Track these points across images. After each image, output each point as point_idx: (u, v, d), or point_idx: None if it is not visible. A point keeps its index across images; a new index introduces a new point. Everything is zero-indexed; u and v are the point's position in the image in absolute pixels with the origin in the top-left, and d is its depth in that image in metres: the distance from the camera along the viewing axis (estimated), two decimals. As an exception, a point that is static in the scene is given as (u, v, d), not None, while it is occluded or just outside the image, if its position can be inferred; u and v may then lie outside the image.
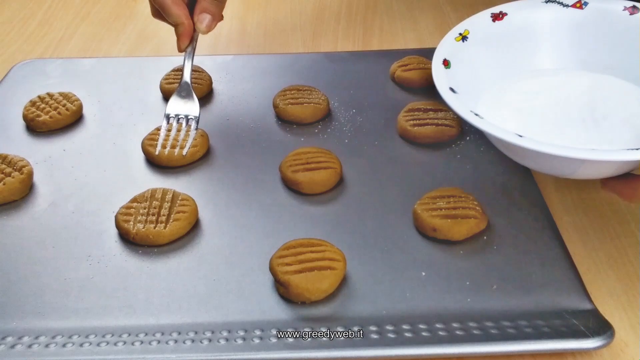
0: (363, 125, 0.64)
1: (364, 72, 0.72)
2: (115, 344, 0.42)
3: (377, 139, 0.62)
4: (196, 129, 0.59)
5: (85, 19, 0.88)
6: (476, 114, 0.46)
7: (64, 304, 0.46)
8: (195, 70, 0.70)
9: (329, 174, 0.55)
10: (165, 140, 0.59)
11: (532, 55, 0.58)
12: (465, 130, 0.62)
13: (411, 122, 0.61)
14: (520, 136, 0.43)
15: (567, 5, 0.57)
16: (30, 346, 0.42)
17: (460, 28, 0.56)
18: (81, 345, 0.42)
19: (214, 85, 0.71)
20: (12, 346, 0.42)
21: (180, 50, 0.62)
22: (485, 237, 0.50)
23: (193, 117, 0.60)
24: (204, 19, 0.60)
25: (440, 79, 0.50)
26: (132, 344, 0.42)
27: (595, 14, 0.57)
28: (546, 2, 0.58)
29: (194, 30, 0.61)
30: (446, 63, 0.51)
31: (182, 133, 0.59)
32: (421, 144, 0.61)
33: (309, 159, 0.56)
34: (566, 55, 0.57)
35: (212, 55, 0.77)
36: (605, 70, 0.55)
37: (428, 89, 0.68)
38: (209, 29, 0.61)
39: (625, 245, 0.51)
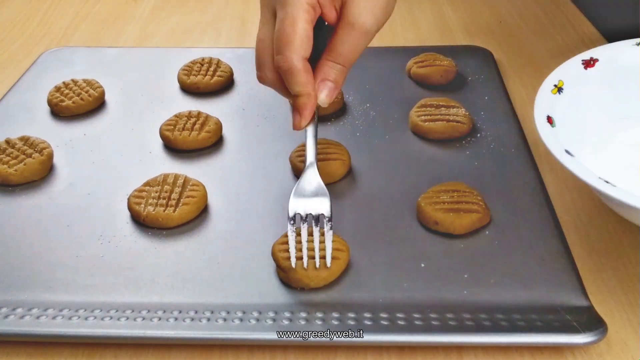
0: (375, 119, 0.65)
1: (380, 68, 0.73)
2: (118, 319, 0.44)
3: (388, 134, 0.63)
4: (331, 228, 0.46)
5: (85, 19, 0.90)
6: (606, 181, 0.44)
7: (73, 280, 0.48)
8: (217, 62, 0.72)
9: (337, 165, 0.56)
10: (299, 250, 0.47)
11: (632, 100, 0.56)
12: (476, 127, 0.62)
13: (423, 117, 0.62)
14: None
15: None
16: (38, 317, 0.44)
17: (553, 79, 0.54)
18: (86, 319, 0.44)
19: (234, 76, 0.72)
20: (22, 317, 0.44)
21: (299, 128, 0.49)
22: (487, 232, 0.51)
23: (324, 216, 0.47)
24: (325, 88, 0.49)
25: (551, 141, 0.47)
26: (135, 319, 0.44)
27: None
28: (638, 44, 0.56)
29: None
30: (550, 121, 0.50)
31: (316, 239, 0.47)
32: (432, 139, 0.61)
33: (318, 150, 0.57)
34: None
35: (233, 48, 0.79)
36: None
37: (443, 86, 0.69)
38: (330, 100, 0.49)
39: (625, 245, 0.51)
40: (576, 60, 0.56)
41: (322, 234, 0.47)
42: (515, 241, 0.50)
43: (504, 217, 0.52)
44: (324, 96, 0.49)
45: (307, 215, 0.47)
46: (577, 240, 0.51)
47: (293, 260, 0.46)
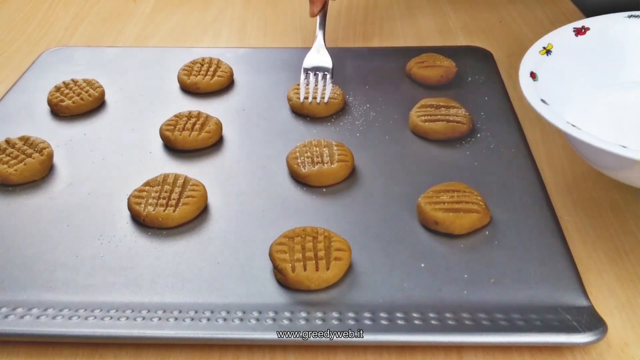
0: (376, 119, 0.65)
1: (380, 68, 0.73)
2: (118, 319, 0.44)
3: (388, 134, 0.63)
4: (332, 79, 0.67)
5: (85, 19, 0.90)
6: (573, 125, 0.46)
7: (73, 280, 0.48)
8: (217, 62, 0.72)
9: (341, 168, 0.56)
10: (307, 92, 0.66)
11: (618, 69, 0.58)
12: (476, 128, 0.62)
13: (423, 117, 0.62)
14: (624, 147, 0.43)
15: None
16: (38, 317, 0.44)
17: (543, 42, 0.56)
18: (86, 318, 0.44)
19: (234, 76, 0.72)
20: (22, 317, 0.44)
21: (312, 15, 0.71)
22: (487, 232, 0.51)
23: (327, 70, 0.67)
24: None
25: (530, 90, 0.50)
26: (134, 319, 0.44)
27: None
28: (629, 16, 0.58)
29: None
30: (533, 75, 0.52)
31: (320, 85, 0.66)
32: (432, 139, 0.62)
33: (316, 152, 0.58)
34: None
35: (234, 48, 0.79)
36: None
37: (443, 86, 0.69)
38: None
39: (625, 245, 0.51)
40: (568, 28, 0.58)
41: (324, 86, 0.65)
42: (515, 241, 0.50)
43: (504, 217, 0.52)
44: None
45: (315, 73, 0.67)
46: (577, 240, 0.52)
47: (302, 95, 0.65)
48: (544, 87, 0.51)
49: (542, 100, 0.49)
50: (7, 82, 0.74)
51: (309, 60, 0.69)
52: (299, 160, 0.57)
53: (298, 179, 0.57)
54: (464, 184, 0.54)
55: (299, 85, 0.68)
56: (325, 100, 0.64)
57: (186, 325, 0.43)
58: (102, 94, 0.69)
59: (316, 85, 0.66)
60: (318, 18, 0.72)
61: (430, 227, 0.51)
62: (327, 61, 0.68)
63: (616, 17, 0.59)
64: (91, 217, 0.54)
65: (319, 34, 0.71)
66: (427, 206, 0.51)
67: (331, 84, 0.66)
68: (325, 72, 0.67)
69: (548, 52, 0.55)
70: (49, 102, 0.67)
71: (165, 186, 0.54)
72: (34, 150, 0.59)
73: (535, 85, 0.51)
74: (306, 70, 0.68)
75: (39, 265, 0.49)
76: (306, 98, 0.65)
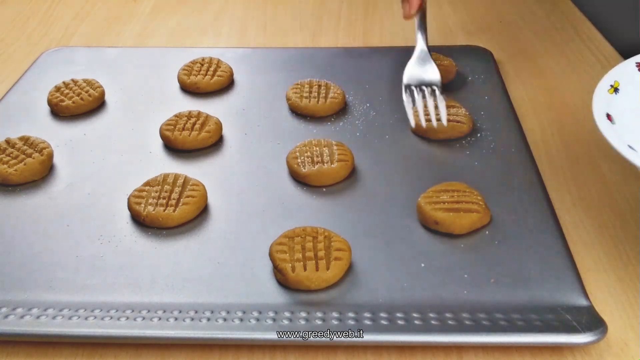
0: (376, 119, 0.65)
1: (380, 68, 0.73)
2: (118, 319, 0.44)
3: (388, 134, 0.63)
4: (442, 94, 0.56)
5: (85, 19, 0.90)
6: None
7: (73, 280, 0.48)
8: (217, 62, 0.72)
9: (341, 167, 0.56)
10: (415, 113, 0.55)
11: None
12: (476, 128, 0.62)
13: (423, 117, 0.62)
14: None
15: None
16: (38, 317, 0.44)
17: (609, 80, 0.54)
18: (86, 318, 0.44)
19: (235, 76, 0.72)
20: (22, 317, 0.44)
21: (408, 17, 0.59)
22: (487, 232, 0.51)
23: (435, 84, 0.56)
24: None
25: (613, 137, 0.47)
26: (135, 319, 0.44)
27: None
28: None
29: None
30: (610, 118, 0.50)
31: (430, 103, 0.55)
32: (432, 139, 0.61)
33: (316, 152, 0.58)
34: None
35: (234, 48, 0.79)
36: None
37: (443, 86, 0.69)
38: None
39: (625, 245, 0.51)
40: (630, 63, 0.56)
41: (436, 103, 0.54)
42: (515, 241, 0.50)
43: (504, 217, 0.52)
44: None
45: (420, 88, 0.55)
46: (577, 240, 0.52)
47: (411, 118, 0.54)
48: (624, 130, 0.49)
49: (630, 147, 0.47)
50: (7, 82, 0.74)
51: (412, 73, 0.57)
52: (299, 160, 0.57)
53: (298, 178, 0.57)
54: (464, 183, 0.54)
55: (298, 84, 0.68)
56: (445, 122, 0.53)
57: (186, 325, 0.43)
58: (102, 94, 0.69)
59: (426, 106, 0.55)
60: (416, 20, 0.61)
61: (431, 227, 0.51)
62: (433, 73, 0.57)
63: None
64: (91, 217, 0.54)
65: (420, 40, 0.60)
66: (427, 206, 0.51)
67: (444, 100, 0.55)
68: (433, 87, 0.56)
69: (616, 90, 0.53)
70: (49, 102, 0.67)
71: (165, 186, 0.54)
72: (34, 150, 0.59)
73: (615, 129, 0.49)
74: (409, 87, 0.56)
75: (39, 265, 0.49)
76: (418, 123, 0.53)
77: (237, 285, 0.47)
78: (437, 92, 0.55)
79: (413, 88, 0.55)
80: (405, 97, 0.54)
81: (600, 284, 0.48)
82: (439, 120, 0.52)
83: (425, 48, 0.57)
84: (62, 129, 0.65)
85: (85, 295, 0.47)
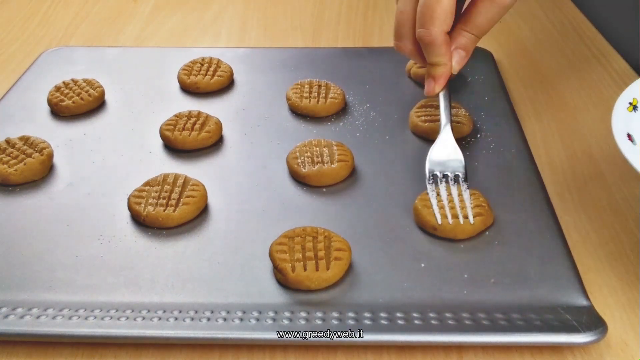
0: (375, 119, 0.65)
1: (380, 68, 0.73)
2: (118, 319, 0.44)
3: (388, 134, 0.63)
4: (466, 181, 0.53)
5: (85, 19, 0.90)
6: None
7: (73, 280, 0.48)
8: (217, 62, 0.72)
9: (341, 168, 0.56)
10: (440, 204, 0.51)
11: None
12: (476, 128, 0.62)
13: (423, 118, 0.62)
14: None
15: None
16: (38, 317, 0.44)
17: (627, 97, 0.52)
18: (86, 318, 0.44)
19: (234, 76, 0.73)
20: (22, 317, 0.44)
21: (433, 94, 0.54)
22: (487, 233, 0.51)
23: (459, 169, 0.54)
24: (458, 56, 0.53)
25: (636, 159, 0.45)
26: (135, 319, 0.44)
27: None
28: None
29: None
30: (631, 138, 0.48)
31: (454, 191, 0.52)
32: (432, 140, 0.61)
33: (316, 152, 0.58)
34: None
35: (234, 48, 0.79)
36: None
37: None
38: (461, 67, 0.54)
39: (625, 245, 0.51)
40: None
41: (460, 194, 0.51)
42: (515, 241, 0.50)
43: (504, 218, 0.52)
44: (456, 64, 0.53)
45: (443, 175, 0.53)
46: (577, 240, 0.52)
47: (438, 216, 0.50)
48: None
49: None
50: (7, 82, 0.74)
51: (436, 157, 0.54)
52: (299, 160, 0.57)
53: (298, 178, 0.57)
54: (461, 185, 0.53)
55: (298, 84, 0.67)
56: (471, 220, 0.49)
57: (186, 325, 0.43)
58: (102, 93, 0.69)
59: (449, 195, 0.52)
60: (441, 99, 0.57)
61: (428, 230, 0.51)
62: (457, 155, 0.54)
63: None
64: (91, 217, 0.54)
65: (446, 126, 0.56)
66: (424, 210, 0.51)
67: (468, 190, 0.52)
68: (457, 173, 0.53)
69: (634, 107, 0.52)
70: (49, 102, 0.67)
71: (165, 186, 0.54)
72: (34, 150, 0.59)
73: (637, 150, 0.47)
74: (432, 173, 0.53)
75: (39, 265, 0.49)
76: (444, 217, 0.50)
77: (237, 285, 0.47)
78: (461, 178, 0.53)
79: (437, 174, 0.53)
80: (428, 187, 0.52)
81: (600, 284, 0.48)
82: (465, 217, 0.50)
83: (452, 139, 0.55)
84: (62, 129, 0.65)
85: (85, 295, 0.47)
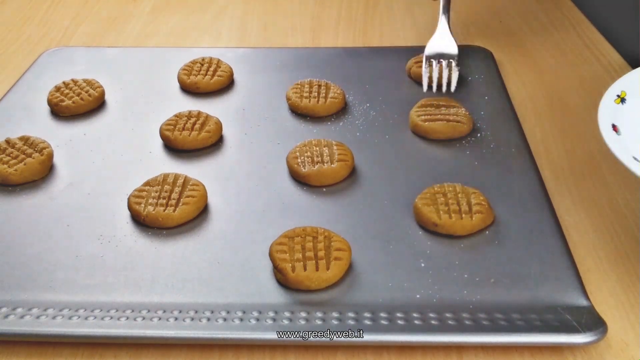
0: (375, 119, 0.65)
1: (380, 68, 0.73)
2: (118, 319, 0.44)
3: (388, 134, 0.63)
4: (457, 66, 0.65)
5: (85, 19, 0.90)
6: None
7: (73, 280, 0.48)
8: (217, 62, 0.72)
9: (341, 168, 0.56)
10: (430, 80, 0.64)
11: None
12: (476, 128, 0.62)
13: (423, 117, 0.62)
14: None
15: None
16: (38, 317, 0.44)
17: (615, 89, 0.54)
18: (86, 318, 0.44)
19: (234, 76, 0.73)
20: (22, 317, 0.44)
21: None
22: (487, 232, 0.51)
23: (452, 57, 0.65)
24: None
25: (617, 148, 0.47)
26: (135, 319, 0.44)
27: None
28: None
29: None
30: (616, 129, 0.50)
31: (445, 73, 0.64)
32: (432, 139, 0.61)
33: (316, 151, 0.58)
34: None
35: (234, 48, 0.79)
36: None
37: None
38: None
39: (625, 245, 0.51)
40: (637, 73, 0.56)
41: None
42: (515, 241, 0.50)
43: (504, 217, 0.52)
44: None
45: (438, 61, 0.65)
46: (577, 240, 0.52)
47: (425, 83, 0.64)
48: (629, 141, 0.49)
49: (635, 158, 0.46)
50: (7, 82, 0.74)
51: (432, 47, 0.66)
52: (299, 160, 0.57)
53: (298, 178, 0.57)
54: (460, 185, 0.53)
55: (298, 84, 0.68)
56: (452, 89, 0.63)
57: (186, 325, 0.43)
58: (102, 94, 0.69)
59: (440, 74, 0.64)
60: (441, 2, 0.69)
61: (429, 228, 0.51)
62: (451, 47, 0.66)
63: None
64: (91, 217, 0.54)
65: (442, 19, 0.68)
66: (424, 208, 0.51)
67: (457, 72, 0.64)
68: (450, 60, 0.65)
69: (622, 100, 0.52)
70: (49, 102, 0.67)
71: (165, 186, 0.54)
72: (34, 150, 0.59)
73: (620, 140, 0.48)
74: (428, 58, 0.65)
75: (39, 265, 0.49)
76: (430, 86, 0.63)
77: (237, 285, 0.47)
78: (453, 64, 0.63)
79: (432, 60, 0.64)
80: (424, 67, 0.64)
81: (600, 284, 0.48)
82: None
83: (447, 28, 0.67)
84: (62, 129, 0.65)
85: (85, 295, 0.47)
